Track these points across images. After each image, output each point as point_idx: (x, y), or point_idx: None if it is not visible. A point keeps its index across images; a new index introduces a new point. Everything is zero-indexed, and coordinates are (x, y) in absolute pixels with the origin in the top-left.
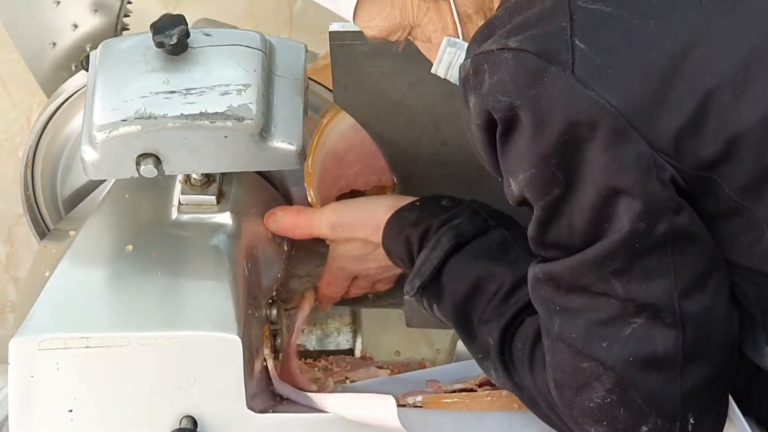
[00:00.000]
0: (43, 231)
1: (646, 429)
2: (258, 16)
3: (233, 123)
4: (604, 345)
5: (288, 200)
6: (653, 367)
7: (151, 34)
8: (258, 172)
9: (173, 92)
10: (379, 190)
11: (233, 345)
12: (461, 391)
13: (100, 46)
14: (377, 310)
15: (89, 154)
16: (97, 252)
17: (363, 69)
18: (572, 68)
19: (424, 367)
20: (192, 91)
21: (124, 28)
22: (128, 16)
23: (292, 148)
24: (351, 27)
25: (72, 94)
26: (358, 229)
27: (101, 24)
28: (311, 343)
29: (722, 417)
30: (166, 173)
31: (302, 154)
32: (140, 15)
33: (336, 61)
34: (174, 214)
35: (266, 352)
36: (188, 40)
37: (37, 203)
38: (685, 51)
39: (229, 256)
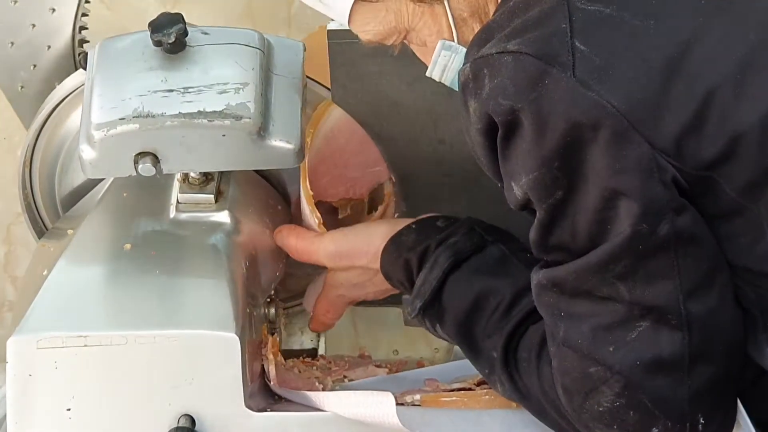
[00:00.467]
0: (41, 230)
1: (656, 431)
2: (256, 15)
3: (231, 122)
4: (611, 349)
5: (286, 199)
6: (660, 369)
7: (149, 33)
8: (256, 171)
9: (171, 91)
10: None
11: (231, 344)
12: (459, 389)
13: (98, 44)
14: (375, 309)
15: (87, 152)
16: (95, 251)
17: (361, 68)
18: (573, 70)
19: (423, 366)
20: (190, 90)
21: (83, 27)
22: (86, 15)
23: (290, 146)
24: None
25: (70, 93)
26: (356, 257)
27: (59, 23)
28: None
29: (732, 416)
30: (165, 172)
31: (300, 153)
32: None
33: (334, 59)
34: (172, 213)
35: (264, 351)
36: (186, 39)
37: (35, 202)
38: (685, 51)
39: (227, 254)
